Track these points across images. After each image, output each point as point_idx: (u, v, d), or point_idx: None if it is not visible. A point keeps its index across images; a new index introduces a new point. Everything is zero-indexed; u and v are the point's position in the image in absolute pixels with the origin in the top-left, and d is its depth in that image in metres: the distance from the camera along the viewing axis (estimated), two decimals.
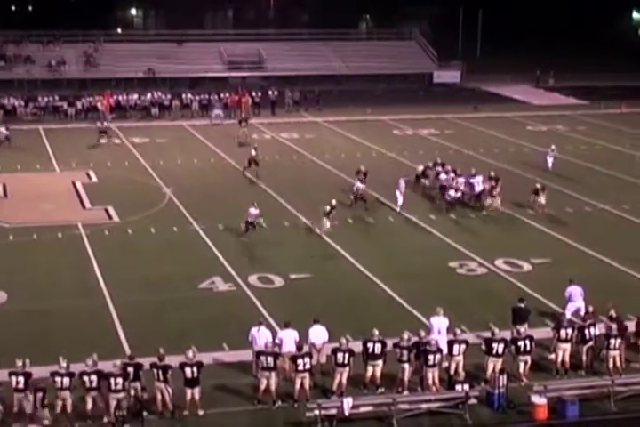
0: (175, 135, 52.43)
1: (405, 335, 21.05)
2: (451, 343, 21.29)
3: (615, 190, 39.49)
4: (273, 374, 20.38)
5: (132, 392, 19.81)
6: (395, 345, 21.01)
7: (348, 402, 19.59)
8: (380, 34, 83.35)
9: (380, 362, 20.96)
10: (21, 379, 19.46)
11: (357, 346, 21.11)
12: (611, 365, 21.67)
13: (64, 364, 19.61)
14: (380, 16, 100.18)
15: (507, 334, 21.98)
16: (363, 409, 19.84)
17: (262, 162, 41.85)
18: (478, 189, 36.21)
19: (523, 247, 31.70)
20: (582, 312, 23.62)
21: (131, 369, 19.88)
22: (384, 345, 20.94)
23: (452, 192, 35.63)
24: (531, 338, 21.58)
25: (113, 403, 19.49)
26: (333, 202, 33.12)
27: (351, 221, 34.36)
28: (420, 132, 53.91)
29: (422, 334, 21.53)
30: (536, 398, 20.06)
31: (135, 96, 59.24)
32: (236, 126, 50.66)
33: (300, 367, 20.32)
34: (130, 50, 74.17)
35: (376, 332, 21.04)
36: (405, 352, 20.88)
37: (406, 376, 20.93)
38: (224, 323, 24.75)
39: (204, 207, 36.38)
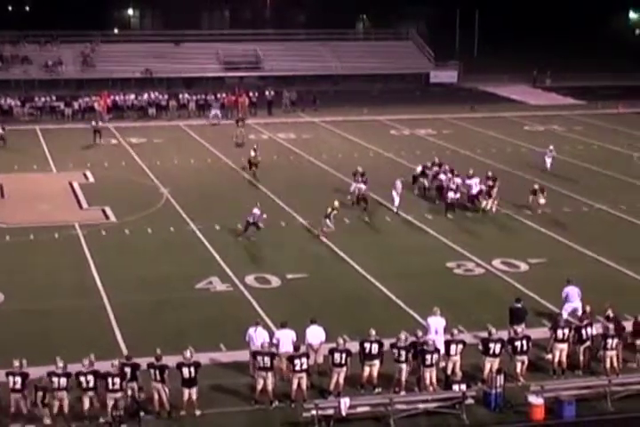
0: (172, 135, 52.42)
1: (402, 335, 21.05)
2: (448, 343, 21.30)
3: (612, 191, 39.53)
4: (270, 374, 20.38)
5: (129, 392, 19.81)
6: (392, 345, 21.01)
7: (345, 402, 19.60)
8: (376, 34, 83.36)
9: (376, 362, 20.96)
10: (18, 379, 19.45)
11: (354, 346, 21.10)
12: (608, 365, 21.69)
13: (61, 364, 19.60)
14: (377, 16, 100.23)
15: (504, 334, 22.00)
16: (360, 409, 19.84)
17: (259, 162, 41.83)
18: (475, 189, 36.19)
19: (520, 247, 31.72)
20: (579, 313, 23.63)
21: (128, 369, 19.87)
22: (381, 345, 20.95)
23: (451, 193, 35.60)
24: (528, 338, 21.59)
25: (110, 403, 19.49)
26: (336, 203, 33.04)
27: (348, 221, 34.34)
28: (417, 133, 53.93)
29: (419, 333, 21.54)
30: (533, 399, 20.07)
31: (132, 96, 59.22)
32: (233, 126, 50.70)
33: (298, 368, 20.32)
34: (127, 50, 74.15)
35: (373, 332, 21.03)
36: (403, 352, 20.87)
37: (403, 376, 20.93)
38: (221, 323, 24.75)
39: (200, 207, 36.37)
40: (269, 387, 20.37)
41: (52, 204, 37.39)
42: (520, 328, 22.33)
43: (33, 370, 19.85)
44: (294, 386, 20.38)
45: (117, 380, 19.48)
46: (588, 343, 22.17)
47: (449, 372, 21.22)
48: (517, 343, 21.46)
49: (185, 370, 19.92)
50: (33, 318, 25.19)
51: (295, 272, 28.87)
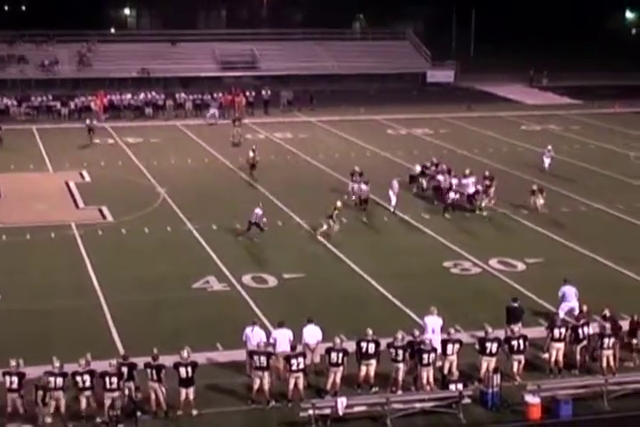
0: (169, 135, 52.40)
1: (399, 335, 21.05)
2: (444, 343, 21.30)
3: (609, 190, 39.55)
4: (266, 373, 20.37)
5: (126, 392, 19.80)
6: (389, 345, 21.01)
7: (341, 402, 19.59)
8: (373, 33, 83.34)
9: (373, 362, 20.96)
10: (15, 379, 19.44)
11: (351, 346, 21.10)
12: (604, 364, 21.70)
13: (57, 364, 19.59)
14: (374, 16, 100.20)
15: (500, 334, 22.02)
16: (356, 409, 19.84)
17: (257, 162, 41.82)
18: (471, 189, 36.12)
19: (517, 247, 31.74)
20: (576, 312, 23.61)
21: (124, 369, 19.87)
22: (378, 345, 20.95)
23: (452, 194, 35.54)
24: (524, 337, 21.60)
25: (107, 402, 19.48)
26: (338, 203, 33.01)
27: (345, 220, 34.30)
28: (413, 132, 53.94)
29: (417, 333, 21.54)
30: (530, 398, 20.08)
31: (129, 96, 59.21)
32: (229, 126, 50.70)
33: (294, 367, 20.32)
34: (123, 50, 74.10)
35: (370, 331, 21.03)
36: (400, 352, 20.88)
37: (400, 376, 20.94)
38: (218, 323, 24.74)
39: (197, 207, 36.35)
40: (266, 387, 20.37)
41: (48, 203, 37.36)
42: (517, 328, 22.35)
43: (30, 370, 19.84)
44: (291, 386, 20.38)
45: (115, 379, 19.49)
46: (585, 343, 22.18)
47: (446, 371, 21.23)
48: (514, 343, 21.46)
49: (182, 370, 19.91)
50: (29, 317, 25.16)
51: (292, 272, 28.87)
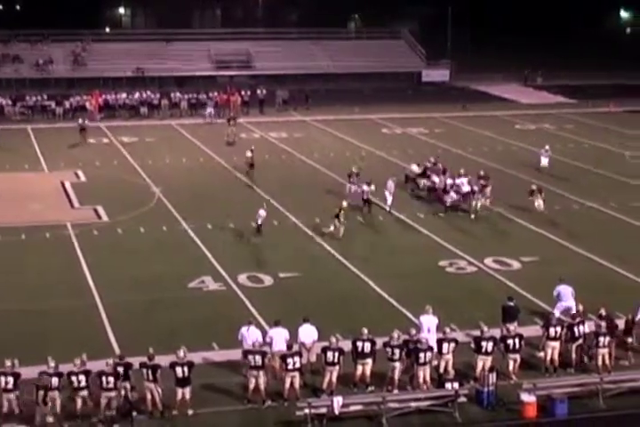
0: (164, 134, 52.37)
1: (395, 334, 21.07)
2: (440, 342, 21.32)
3: (603, 189, 39.63)
4: (261, 373, 20.38)
5: (122, 392, 19.79)
6: (385, 344, 21.02)
7: (337, 401, 19.60)
8: (369, 33, 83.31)
9: (369, 361, 20.98)
10: (10, 379, 19.41)
11: (347, 345, 21.12)
12: (600, 362, 21.74)
13: (52, 364, 19.58)
14: (370, 15, 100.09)
15: (496, 333, 22.04)
16: (352, 408, 19.85)
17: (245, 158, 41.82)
18: (465, 188, 36.02)
19: (512, 246, 31.79)
20: (573, 311, 23.59)
21: (120, 369, 19.86)
22: (373, 344, 20.96)
23: (452, 194, 35.42)
24: (520, 336, 21.63)
25: (104, 402, 19.47)
26: (344, 204, 32.96)
27: (342, 219, 34.25)
28: (408, 131, 53.96)
29: (413, 332, 21.56)
30: (525, 396, 20.10)
31: (124, 95, 59.15)
32: (225, 125, 50.67)
33: (290, 366, 20.32)
34: (118, 49, 74.03)
35: (365, 331, 21.05)
36: (396, 351, 20.89)
37: (396, 375, 20.95)
38: (214, 322, 24.74)
39: (193, 207, 36.33)
40: (262, 386, 20.37)
41: (43, 203, 37.32)
42: (512, 326, 22.38)
43: (25, 370, 19.82)
44: (287, 385, 20.38)
45: (111, 379, 19.47)
46: (580, 341, 22.22)
47: (441, 370, 21.25)
48: (510, 341, 21.49)
49: (178, 369, 19.91)
50: (25, 317, 25.14)
51: (288, 271, 28.87)
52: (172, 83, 69.72)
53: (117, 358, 20.38)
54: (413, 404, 20.10)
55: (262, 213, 32.03)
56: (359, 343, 20.94)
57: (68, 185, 40.13)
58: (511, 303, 23.54)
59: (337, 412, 19.58)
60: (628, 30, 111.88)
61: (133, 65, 71.29)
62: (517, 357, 21.64)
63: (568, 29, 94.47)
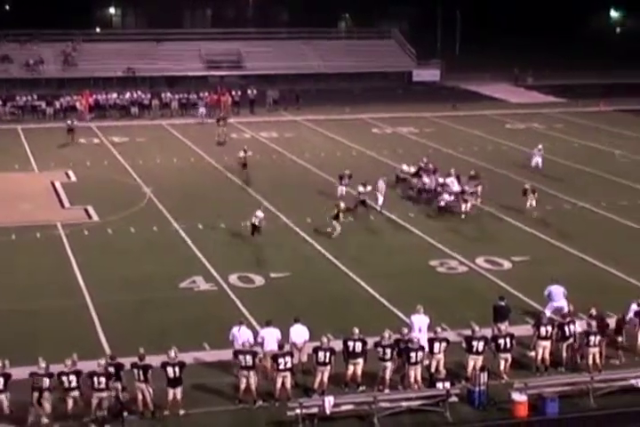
0: (155, 134, 52.30)
1: (386, 334, 21.08)
2: (431, 341, 21.34)
3: (594, 188, 39.71)
4: (252, 373, 20.37)
5: (113, 393, 19.76)
6: (376, 344, 21.03)
7: (329, 401, 19.61)
8: (359, 33, 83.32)
9: (360, 360, 20.99)
10: (0, 380, 19.34)
11: (338, 345, 21.12)
12: (590, 362, 21.79)
13: (43, 364, 19.53)
14: (360, 15, 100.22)
15: (487, 332, 22.08)
16: (344, 408, 19.85)
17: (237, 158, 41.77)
18: (455, 188, 35.95)
19: (503, 245, 31.82)
20: (565, 311, 23.63)
21: (111, 369, 19.82)
22: (364, 344, 20.97)
23: (446, 196, 35.37)
24: (511, 336, 21.66)
25: (95, 402, 19.43)
26: (342, 204, 32.92)
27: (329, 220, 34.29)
28: (399, 131, 54.00)
29: (405, 331, 21.57)
30: (516, 396, 20.14)
31: (114, 95, 59.03)
32: (215, 125, 50.59)
33: (282, 366, 20.31)
34: (108, 49, 73.84)
35: (356, 330, 21.05)
36: (387, 351, 20.90)
37: (388, 374, 20.96)
38: (205, 322, 24.71)
39: (183, 207, 36.29)
40: (253, 386, 20.36)
41: (33, 203, 37.23)
42: (503, 326, 22.43)
43: (15, 371, 19.75)
44: (278, 385, 20.38)
45: (103, 379, 19.43)
46: (571, 340, 22.26)
47: (432, 370, 21.27)
48: (501, 341, 21.52)
49: (170, 370, 19.89)
50: (15, 318, 25.08)
51: (279, 271, 28.86)
52: (163, 83, 69.60)
53: (109, 358, 20.35)
54: (405, 403, 20.11)
55: (259, 214, 31.89)
56: (350, 343, 20.94)
57: (58, 185, 40.04)
58: (502, 303, 23.57)
59: (328, 412, 19.58)
60: (618, 30, 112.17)
61: (124, 65, 71.14)
62: (508, 356, 21.66)
63: (558, 29, 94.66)
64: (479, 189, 36.24)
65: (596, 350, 21.84)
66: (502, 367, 21.60)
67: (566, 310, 23.53)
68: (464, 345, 21.49)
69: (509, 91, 72.02)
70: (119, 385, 19.86)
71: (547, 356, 22.03)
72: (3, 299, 26.52)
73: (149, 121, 56.53)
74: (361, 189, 35.34)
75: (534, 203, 34.94)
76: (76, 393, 19.53)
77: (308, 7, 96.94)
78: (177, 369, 19.90)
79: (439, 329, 21.76)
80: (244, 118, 57.37)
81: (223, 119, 50.88)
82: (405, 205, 36.98)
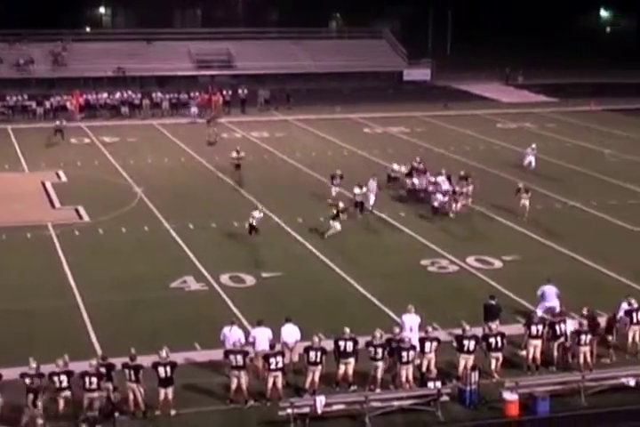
0: (145, 134, 52.23)
1: (377, 333, 21.08)
2: (422, 341, 21.35)
3: (584, 187, 39.79)
4: (242, 373, 20.36)
5: (104, 393, 19.72)
6: (367, 344, 21.03)
7: (320, 400, 19.60)
8: (350, 32, 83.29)
9: (351, 360, 20.99)
10: None
11: (329, 344, 21.12)
12: (581, 360, 21.83)
13: (34, 365, 19.49)
14: (351, 15, 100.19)
15: (478, 331, 22.10)
16: (335, 407, 19.84)
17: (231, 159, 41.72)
18: (445, 187, 35.91)
19: (494, 245, 31.87)
20: (557, 311, 23.67)
21: (103, 370, 19.79)
22: (356, 343, 20.98)
23: (439, 196, 35.29)
24: (502, 335, 21.69)
25: (86, 402, 19.39)
26: (341, 204, 32.86)
27: (323, 219, 34.30)
28: (390, 131, 54.02)
29: (397, 330, 21.58)
30: (507, 395, 20.16)
31: (105, 95, 58.90)
32: (206, 125, 50.60)
33: (273, 366, 20.30)
34: (99, 49, 73.66)
35: (347, 330, 21.06)
36: (379, 350, 20.91)
37: (379, 374, 20.97)
38: (196, 322, 24.69)
39: (174, 207, 36.25)
40: (244, 386, 20.35)
41: (24, 203, 37.14)
42: (494, 325, 22.47)
43: (5, 371, 19.70)
44: (270, 385, 20.37)
45: (95, 379, 19.40)
46: (562, 339, 22.30)
47: (424, 369, 21.29)
48: (492, 340, 21.55)
49: (161, 370, 19.86)
50: (6, 318, 25.00)
51: (270, 271, 28.85)
52: (154, 82, 69.50)
53: (100, 358, 20.32)
54: (396, 403, 20.12)
55: (256, 214, 31.77)
56: (341, 343, 20.95)
57: (48, 185, 39.96)
58: (493, 302, 23.60)
59: (319, 411, 19.58)
60: (608, 29, 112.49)
61: (114, 65, 71.00)
62: (499, 355, 21.69)
63: (549, 28, 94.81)
64: (470, 189, 36.21)
65: (587, 348, 21.89)
66: (493, 366, 21.63)
67: (558, 310, 23.58)
68: (455, 344, 21.52)
69: (500, 90, 72.11)
70: (110, 385, 19.84)
71: (538, 355, 22.06)
72: None
73: (140, 121, 56.45)
74: (357, 190, 35.20)
75: (527, 203, 34.75)
76: (67, 393, 19.50)
77: (299, 7, 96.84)
78: (168, 369, 19.88)
79: (430, 328, 21.78)
80: (235, 118, 57.33)
81: (213, 120, 50.86)
82: (396, 204, 36.99)
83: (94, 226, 33.83)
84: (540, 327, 22.04)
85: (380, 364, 20.96)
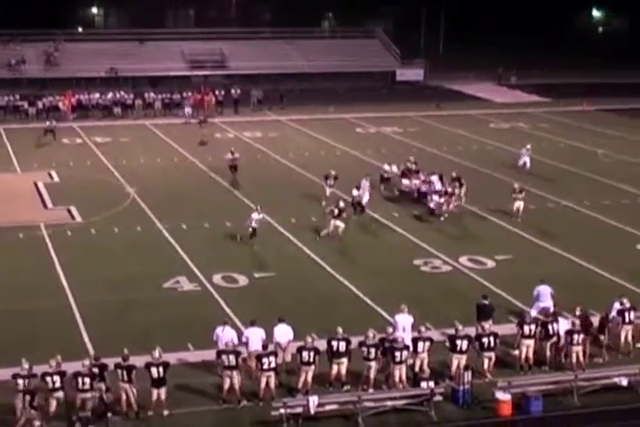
0: (138, 134, 52.16)
1: (371, 333, 21.08)
2: (415, 341, 21.35)
3: (577, 187, 39.84)
4: (235, 373, 20.34)
5: (97, 393, 19.69)
6: (360, 344, 21.03)
7: (313, 400, 19.60)
8: (343, 32, 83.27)
9: (344, 360, 20.99)
10: None
11: (322, 344, 21.11)
12: (574, 360, 21.85)
13: (26, 366, 19.44)
14: (344, 14, 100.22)
15: (471, 331, 22.11)
16: (328, 407, 19.84)
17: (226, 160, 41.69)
18: (437, 187, 35.89)
19: (486, 244, 31.88)
20: (550, 312, 23.68)
21: (95, 370, 19.75)
22: (348, 343, 20.97)
23: (435, 197, 35.22)
24: (495, 334, 21.70)
25: (79, 403, 19.35)
26: (342, 204, 32.81)
27: (315, 219, 34.30)
28: (383, 131, 54.03)
29: (390, 330, 21.57)
30: (500, 395, 20.18)
31: (97, 95, 58.79)
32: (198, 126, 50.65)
33: (266, 366, 20.29)
34: (91, 49, 73.51)
35: (340, 330, 21.05)
36: (372, 350, 20.91)
37: (372, 374, 20.97)
38: (189, 322, 24.66)
39: (167, 207, 36.21)
40: (236, 386, 20.34)
41: (16, 204, 37.07)
42: (487, 325, 22.49)
43: None
44: (262, 385, 20.36)
45: (87, 380, 19.37)
46: (555, 339, 22.32)
47: (417, 369, 21.29)
48: (485, 340, 21.56)
49: (154, 370, 19.84)
50: None
51: (263, 271, 28.84)
52: (146, 83, 69.39)
53: (93, 358, 20.28)
54: (389, 403, 20.13)
55: (255, 216, 31.67)
56: (334, 343, 20.94)
57: (41, 185, 39.87)
58: (486, 302, 23.61)
59: (313, 411, 19.58)
60: (600, 29, 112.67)
61: (107, 65, 70.88)
62: (492, 355, 21.71)
63: (541, 29, 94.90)
64: (463, 190, 36.16)
65: (580, 348, 21.91)
66: (486, 366, 21.64)
67: (552, 310, 23.59)
68: (448, 344, 21.53)
69: (493, 90, 72.16)
70: (103, 386, 19.82)
71: (530, 355, 22.08)
72: None
73: (132, 121, 56.37)
74: (355, 192, 35.13)
75: (522, 203, 34.58)
76: (59, 394, 19.47)
77: (292, 7, 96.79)
78: (161, 369, 19.86)
79: (423, 328, 21.80)
80: (228, 118, 57.29)
81: (204, 121, 50.88)
82: (389, 204, 36.99)
83: (87, 226, 33.77)
84: (533, 327, 22.07)
85: (373, 364, 20.96)
